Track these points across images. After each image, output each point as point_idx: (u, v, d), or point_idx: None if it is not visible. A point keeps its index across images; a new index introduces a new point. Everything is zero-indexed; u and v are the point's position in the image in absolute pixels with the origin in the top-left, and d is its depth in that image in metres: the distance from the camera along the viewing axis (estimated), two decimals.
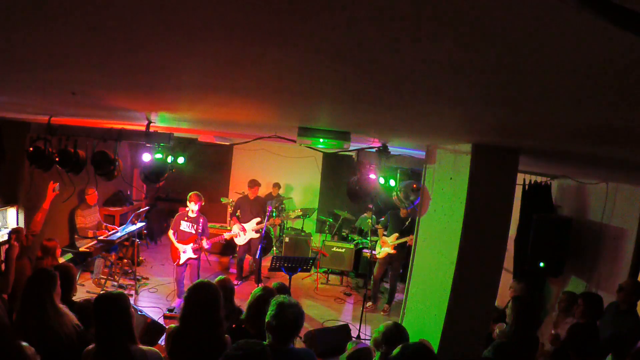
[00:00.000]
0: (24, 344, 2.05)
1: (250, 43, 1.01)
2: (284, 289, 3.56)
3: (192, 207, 5.70)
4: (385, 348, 2.53)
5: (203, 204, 5.81)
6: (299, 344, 4.39)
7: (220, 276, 3.80)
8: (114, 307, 2.23)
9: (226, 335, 2.57)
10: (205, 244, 5.88)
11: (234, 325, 3.02)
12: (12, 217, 5.52)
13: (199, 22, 0.88)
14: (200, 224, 5.76)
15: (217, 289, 2.61)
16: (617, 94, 1.08)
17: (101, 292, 5.99)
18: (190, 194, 5.81)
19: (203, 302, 2.50)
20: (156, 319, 4.36)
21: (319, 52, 1.03)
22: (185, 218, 5.79)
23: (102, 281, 6.30)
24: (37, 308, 2.51)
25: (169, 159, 4.33)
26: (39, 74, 1.75)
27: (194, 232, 5.75)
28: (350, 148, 3.54)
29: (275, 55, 1.10)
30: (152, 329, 3.79)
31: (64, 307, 2.64)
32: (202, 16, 0.85)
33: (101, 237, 6.19)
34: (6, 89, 2.35)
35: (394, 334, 2.56)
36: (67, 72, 1.64)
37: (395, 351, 2.08)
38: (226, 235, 6.56)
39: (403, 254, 6.49)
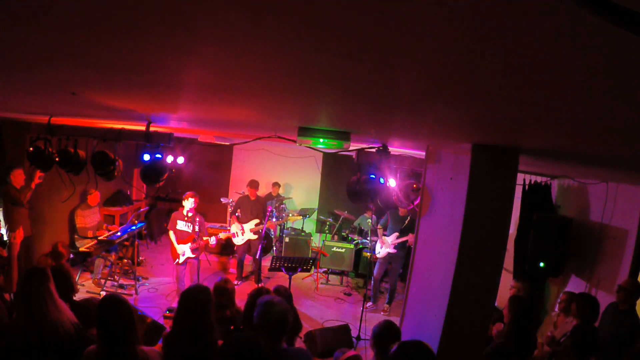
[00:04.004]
0: None
1: (250, 43, 1.01)
2: (284, 293, 3.51)
3: (188, 205, 5.70)
4: (378, 346, 2.53)
5: (197, 201, 5.80)
6: (299, 344, 4.39)
7: (220, 278, 3.78)
8: (121, 309, 2.24)
9: (219, 341, 2.57)
10: (212, 240, 5.88)
11: (232, 327, 3.02)
12: None
13: (199, 22, 0.88)
14: (197, 223, 5.77)
15: (207, 295, 2.62)
16: (617, 94, 1.08)
17: (101, 292, 6.00)
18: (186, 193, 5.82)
19: (192, 308, 2.52)
20: (156, 319, 4.36)
21: (319, 52, 1.03)
22: (185, 218, 5.79)
23: (102, 281, 6.30)
24: (37, 305, 2.50)
25: (169, 159, 4.33)
26: (39, 74, 1.75)
27: (191, 231, 5.76)
28: (350, 148, 3.54)
29: (276, 55, 1.10)
30: (152, 329, 3.79)
31: (62, 304, 2.64)
32: (202, 16, 0.85)
33: (101, 237, 6.19)
34: (7, 88, 2.36)
35: (386, 332, 2.56)
36: (67, 72, 1.64)
37: (394, 349, 2.09)
38: (221, 235, 6.55)
39: (403, 254, 6.50)
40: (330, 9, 0.75)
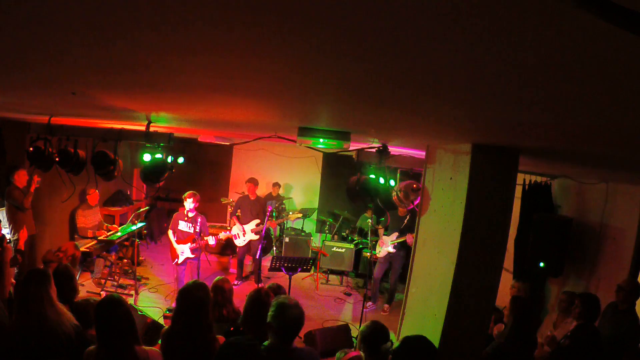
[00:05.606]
0: None
1: (250, 43, 1.01)
2: (280, 291, 3.54)
3: (188, 205, 5.69)
4: (370, 348, 2.53)
5: (199, 199, 5.79)
6: (298, 344, 4.39)
7: (218, 277, 3.79)
8: (119, 311, 2.23)
9: (219, 337, 2.58)
10: (211, 240, 5.87)
11: (232, 328, 3.02)
12: None
13: (199, 22, 0.88)
14: (199, 224, 5.76)
15: (205, 293, 2.62)
16: (617, 94, 1.08)
17: (101, 292, 6.00)
18: (185, 193, 5.81)
19: (190, 305, 2.52)
20: (156, 319, 4.37)
21: (319, 52, 1.03)
22: (185, 218, 5.79)
23: (102, 281, 6.30)
24: (35, 308, 2.50)
25: (169, 159, 4.32)
26: (39, 73, 1.75)
27: (192, 232, 5.76)
28: (350, 148, 3.53)
29: (276, 54, 1.10)
30: (152, 329, 3.80)
31: (61, 307, 2.64)
32: (202, 16, 0.85)
33: (101, 237, 6.19)
34: (7, 88, 2.36)
35: (376, 333, 2.56)
36: (67, 71, 1.64)
37: (396, 344, 2.11)
38: (221, 235, 6.56)
39: (403, 253, 6.49)
40: (330, 8, 0.75)
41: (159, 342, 2.60)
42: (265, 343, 2.30)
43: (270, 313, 2.31)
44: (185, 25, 0.91)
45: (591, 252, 4.74)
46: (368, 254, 6.89)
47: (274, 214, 7.76)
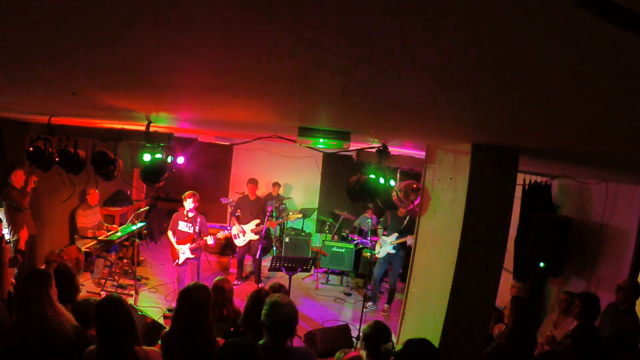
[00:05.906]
0: None
1: (250, 43, 1.01)
2: (281, 291, 3.55)
3: (188, 205, 5.69)
4: (370, 347, 2.53)
5: (199, 199, 5.80)
6: (299, 344, 4.38)
7: (218, 277, 3.79)
8: (119, 311, 2.23)
9: (218, 339, 2.58)
10: (209, 239, 5.87)
11: (232, 329, 3.02)
12: None
13: (199, 22, 0.88)
14: (198, 224, 5.77)
15: (207, 294, 2.62)
16: (617, 94, 1.08)
17: (101, 292, 6.00)
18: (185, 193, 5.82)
19: (191, 306, 2.52)
20: (156, 319, 4.37)
21: (320, 52, 1.03)
22: (185, 218, 5.79)
23: (102, 281, 6.30)
24: (35, 308, 2.50)
25: (169, 159, 4.32)
26: (39, 73, 1.75)
27: (192, 232, 5.76)
28: (350, 148, 3.53)
29: (276, 55, 1.10)
30: (152, 329, 3.80)
31: (61, 307, 2.64)
32: (202, 16, 0.85)
33: (101, 237, 6.19)
34: (7, 88, 2.36)
35: (377, 333, 2.55)
36: (67, 72, 1.64)
37: (399, 347, 2.11)
38: (220, 235, 6.56)
39: (403, 253, 6.50)
40: (331, 9, 0.75)
41: (159, 342, 2.60)
42: (261, 342, 2.29)
43: (263, 312, 2.29)
44: (185, 24, 0.91)
45: (591, 252, 4.74)
46: (368, 254, 6.90)
47: (274, 214, 7.77)
